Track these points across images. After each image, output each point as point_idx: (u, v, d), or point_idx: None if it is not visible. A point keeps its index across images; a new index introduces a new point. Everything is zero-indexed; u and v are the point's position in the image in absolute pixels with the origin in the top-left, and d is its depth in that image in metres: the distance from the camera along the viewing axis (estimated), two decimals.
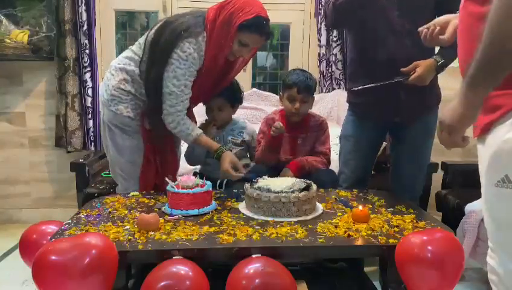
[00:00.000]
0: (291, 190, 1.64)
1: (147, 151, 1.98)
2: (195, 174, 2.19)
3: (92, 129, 2.86)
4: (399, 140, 2.08)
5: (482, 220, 1.92)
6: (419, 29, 1.43)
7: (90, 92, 2.82)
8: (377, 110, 1.96)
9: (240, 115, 2.63)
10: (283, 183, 1.69)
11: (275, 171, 2.07)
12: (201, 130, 1.98)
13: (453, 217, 2.19)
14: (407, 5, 1.81)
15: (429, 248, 1.28)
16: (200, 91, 1.94)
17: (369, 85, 1.82)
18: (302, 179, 1.77)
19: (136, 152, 1.98)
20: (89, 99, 2.83)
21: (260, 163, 2.17)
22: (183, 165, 2.38)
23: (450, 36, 1.36)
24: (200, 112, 2.29)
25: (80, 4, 2.72)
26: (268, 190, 1.64)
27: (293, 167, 2.12)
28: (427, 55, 1.78)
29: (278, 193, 1.62)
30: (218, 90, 2.07)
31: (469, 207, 2.03)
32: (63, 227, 1.51)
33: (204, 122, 2.25)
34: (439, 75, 1.92)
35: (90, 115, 2.84)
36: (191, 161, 2.23)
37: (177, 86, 1.85)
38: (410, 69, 1.74)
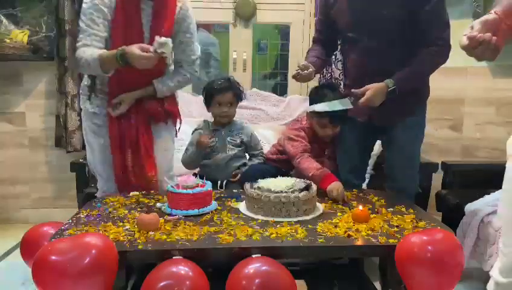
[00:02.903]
0: (291, 190, 1.64)
1: (113, 148, 1.95)
2: (194, 174, 2.19)
3: None
4: (386, 141, 2.09)
5: (482, 220, 1.92)
6: (469, 35, 1.06)
7: None
8: (357, 112, 1.96)
9: (240, 115, 2.63)
10: (283, 184, 1.69)
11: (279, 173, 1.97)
12: (102, 50, 1.83)
13: (453, 217, 2.19)
14: (376, 30, 1.82)
15: (429, 247, 1.28)
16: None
17: (321, 109, 1.91)
18: (302, 180, 1.77)
19: (105, 151, 1.98)
20: None
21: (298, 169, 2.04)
22: (183, 166, 2.39)
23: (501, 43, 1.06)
24: (199, 111, 2.30)
25: (79, 4, 2.71)
26: (269, 190, 1.64)
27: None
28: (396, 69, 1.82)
29: (278, 193, 1.63)
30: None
31: (469, 207, 2.03)
32: (63, 227, 1.51)
33: (203, 123, 2.25)
34: (431, 75, 1.93)
35: None
36: (187, 166, 2.22)
37: (84, 21, 1.85)
38: (361, 92, 1.78)
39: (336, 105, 1.88)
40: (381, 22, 1.80)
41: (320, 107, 1.92)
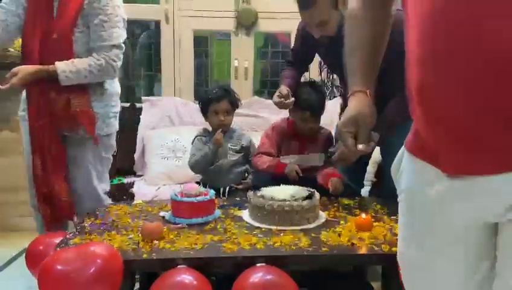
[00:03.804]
0: (295, 198, 1.65)
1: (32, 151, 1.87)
2: (197, 182, 2.19)
3: None
4: (383, 147, 2.11)
5: None
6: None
7: None
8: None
9: (241, 122, 2.65)
10: (286, 192, 1.70)
11: (279, 180, 2.04)
12: None
13: None
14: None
15: None
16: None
17: (295, 159, 2.01)
18: (305, 188, 1.77)
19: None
20: None
21: (256, 167, 2.16)
22: (185, 173, 2.39)
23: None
24: (202, 119, 2.30)
25: None
26: (272, 199, 1.65)
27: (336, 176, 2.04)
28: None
29: (281, 201, 1.63)
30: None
31: None
32: (67, 236, 1.52)
33: (202, 131, 2.26)
34: None
35: None
36: (198, 169, 2.21)
37: None
38: (334, 150, 1.87)
39: (308, 160, 2.00)
40: None
41: (293, 160, 2.01)
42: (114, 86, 1.98)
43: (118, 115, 2.02)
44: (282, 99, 1.93)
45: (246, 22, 2.99)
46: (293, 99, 1.95)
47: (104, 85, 1.91)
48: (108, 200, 2.05)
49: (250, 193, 1.75)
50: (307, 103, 2.05)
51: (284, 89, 1.96)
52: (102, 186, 2.02)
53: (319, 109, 2.10)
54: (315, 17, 1.75)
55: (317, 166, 2.06)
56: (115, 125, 2.01)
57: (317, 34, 1.82)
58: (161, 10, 3.00)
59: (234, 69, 3.11)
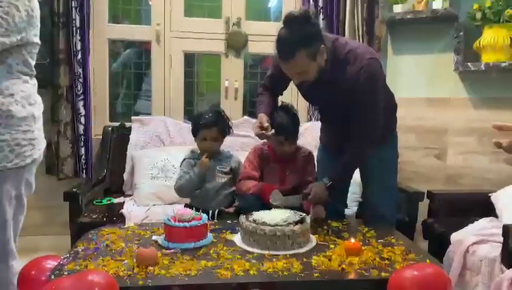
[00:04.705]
0: (286, 223, 1.69)
1: None
2: (186, 205, 2.22)
3: (83, 157, 2.87)
4: (362, 171, 2.19)
5: (467, 249, 2.00)
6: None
7: (82, 120, 2.84)
8: (333, 146, 2.18)
9: (231, 143, 2.68)
10: (278, 216, 1.73)
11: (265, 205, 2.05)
12: None
13: (438, 245, 2.26)
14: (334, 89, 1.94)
15: (419, 283, 1.34)
16: None
17: (279, 202, 2.03)
18: (297, 212, 1.82)
19: None
20: (81, 127, 2.85)
21: (241, 193, 2.21)
22: (175, 193, 2.41)
23: None
24: (192, 138, 2.33)
25: (74, 34, 2.76)
26: (264, 223, 1.69)
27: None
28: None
29: (273, 226, 1.67)
30: None
31: (455, 236, 2.10)
32: (61, 262, 1.53)
33: (190, 153, 2.29)
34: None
35: (82, 143, 2.86)
36: (184, 192, 2.24)
37: None
38: (308, 191, 2.00)
39: (288, 201, 2.05)
40: (332, 105, 2.03)
41: (276, 202, 2.03)
42: (28, 109, 1.61)
43: (35, 142, 1.66)
44: (264, 131, 1.96)
45: (236, 44, 3.06)
46: (273, 130, 1.97)
47: (9, 108, 1.55)
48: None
49: (242, 218, 1.78)
50: (281, 127, 2.08)
51: (264, 120, 1.99)
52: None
53: (293, 132, 2.16)
54: (294, 69, 1.82)
55: (301, 190, 2.12)
56: (32, 155, 1.64)
57: (296, 81, 1.90)
58: (152, 31, 3.04)
59: (224, 89, 3.16)
